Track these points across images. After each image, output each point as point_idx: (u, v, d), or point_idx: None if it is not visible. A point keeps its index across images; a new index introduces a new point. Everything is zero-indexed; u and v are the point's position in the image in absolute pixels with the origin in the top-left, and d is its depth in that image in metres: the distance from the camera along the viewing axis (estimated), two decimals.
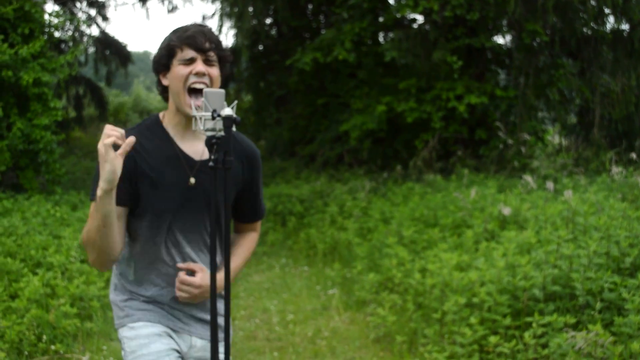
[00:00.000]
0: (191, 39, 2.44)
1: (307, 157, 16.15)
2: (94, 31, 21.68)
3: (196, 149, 2.55)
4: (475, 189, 8.96)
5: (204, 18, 21.59)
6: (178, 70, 2.45)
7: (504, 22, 13.37)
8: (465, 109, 12.30)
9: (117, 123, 29.68)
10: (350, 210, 10.85)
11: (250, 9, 16.03)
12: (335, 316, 7.17)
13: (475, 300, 5.48)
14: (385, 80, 14.05)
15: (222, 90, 2.18)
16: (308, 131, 16.63)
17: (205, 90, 2.14)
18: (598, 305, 4.81)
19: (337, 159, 15.23)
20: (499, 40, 14.02)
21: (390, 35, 14.38)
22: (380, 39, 15.20)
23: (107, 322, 6.31)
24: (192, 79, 2.43)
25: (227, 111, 2.06)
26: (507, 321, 5.12)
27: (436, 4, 12.09)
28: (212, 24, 26.52)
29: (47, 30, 11.31)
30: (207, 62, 2.47)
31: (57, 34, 12.62)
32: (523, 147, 12.14)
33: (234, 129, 2.09)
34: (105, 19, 22.50)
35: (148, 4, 25.78)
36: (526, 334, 4.80)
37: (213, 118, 2.09)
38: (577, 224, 6.42)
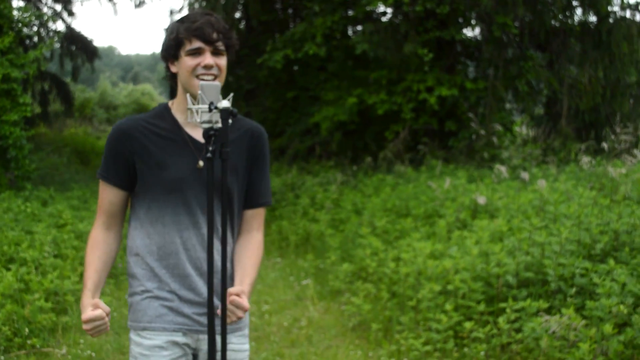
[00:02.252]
0: (199, 31, 2.44)
1: (277, 150, 16.17)
2: (60, 26, 21.44)
3: None
4: (449, 179, 9.05)
5: (172, 12, 21.50)
6: (186, 61, 2.46)
7: (474, 15, 13.49)
8: (436, 101, 12.40)
9: (82, 119, 29.43)
10: (322, 202, 10.90)
11: (222, 2, 15.98)
12: (310, 306, 7.21)
13: (449, 287, 5.56)
14: (356, 73, 14.11)
15: (218, 83, 2.23)
16: (278, 124, 16.66)
17: (202, 83, 2.19)
18: (570, 290, 4.91)
19: (307, 152, 15.27)
20: (469, 33, 14.16)
21: (360, 28, 14.43)
22: (350, 32, 15.25)
23: None
24: (201, 71, 2.45)
25: (224, 103, 2.11)
26: (482, 307, 5.19)
27: None
28: None
29: (15, 26, 11.19)
30: (216, 52, 2.48)
31: (25, 30, 12.49)
32: (495, 138, 12.27)
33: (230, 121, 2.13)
34: (71, 14, 22.23)
35: None
36: (500, 319, 4.89)
37: (210, 110, 2.14)
38: (547, 212, 6.53)
